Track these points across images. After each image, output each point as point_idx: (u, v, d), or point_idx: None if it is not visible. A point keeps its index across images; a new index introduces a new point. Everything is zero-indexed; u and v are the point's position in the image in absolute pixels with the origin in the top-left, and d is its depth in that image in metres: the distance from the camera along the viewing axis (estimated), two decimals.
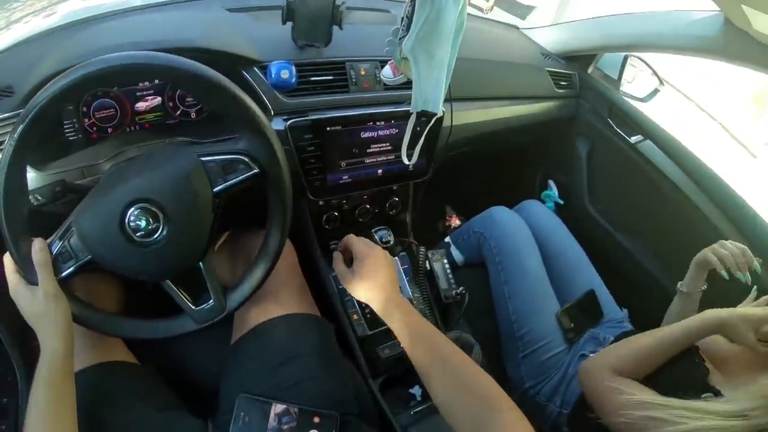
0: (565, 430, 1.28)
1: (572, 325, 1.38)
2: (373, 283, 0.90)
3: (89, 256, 0.82)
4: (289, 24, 1.13)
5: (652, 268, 1.69)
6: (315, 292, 1.21)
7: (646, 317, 1.37)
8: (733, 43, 1.24)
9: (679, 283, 1.30)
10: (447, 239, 1.73)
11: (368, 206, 1.36)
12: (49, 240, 0.83)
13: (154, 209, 0.81)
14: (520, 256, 1.50)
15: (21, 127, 0.73)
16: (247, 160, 0.86)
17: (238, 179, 0.86)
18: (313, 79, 1.18)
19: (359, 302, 1.24)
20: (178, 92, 1.14)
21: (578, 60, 1.82)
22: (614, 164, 1.78)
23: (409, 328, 0.85)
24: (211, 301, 0.93)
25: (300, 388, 0.98)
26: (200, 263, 0.90)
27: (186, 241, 0.86)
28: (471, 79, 1.49)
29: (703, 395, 0.94)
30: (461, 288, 1.43)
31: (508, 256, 1.50)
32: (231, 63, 1.10)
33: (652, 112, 1.70)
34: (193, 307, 0.92)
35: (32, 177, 0.92)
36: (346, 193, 1.31)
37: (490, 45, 1.69)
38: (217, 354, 1.10)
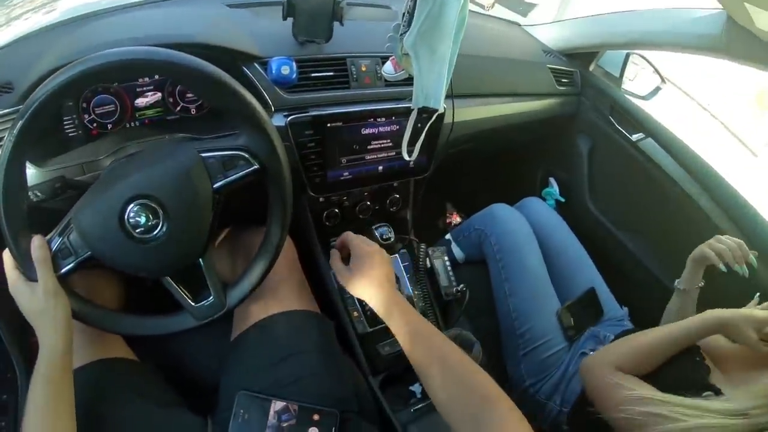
0: (565, 429, 1.28)
1: (573, 323, 1.38)
2: (371, 280, 0.89)
3: (89, 253, 0.82)
4: (290, 20, 1.12)
5: (652, 266, 1.68)
6: (315, 289, 1.21)
7: (646, 316, 1.37)
8: (735, 41, 1.23)
9: (677, 280, 1.30)
10: (448, 236, 1.73)
11: (369, 203, 1.36)
12: (48, 236, 0.83)
13: (153, 205, 0.81)
14: (521, 254, 1.50)
15: (20, 122, 0.73)
16: (247, 156, 0.86)
17: (238, 175, 0.86)
18: (313, 75, 1.18)
19: (359, 299, 1.24)
20: (178, 88, 1.13)
21: (580, 57, 1.82)
22: (615, 162, 1.77)
23: (407, 327, 0.84)
24: (211, 297, 0.93)
25: (300, 386, 0.98)
26: (200, 260, 0.90)
27: (186, 238, 0.85)
28: (472, 75, 1.49)
29: (703, 394, 0.94)
30: (462, 285, 1.44)
31: (509, 253, 1.50)
32: (231, 59, 1.09)
33: (654, 110, 1.69)
34: (193, 304, 0.92)
35: (32, 173, 0.92)
36: (346, 190, 1.31)
37: (491, 42, 1.69)
38: (217, 351, 1.10)
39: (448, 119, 1.36)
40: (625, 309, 1.50)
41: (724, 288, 1.28)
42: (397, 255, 1.41)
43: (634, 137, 1.68)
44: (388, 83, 1.22)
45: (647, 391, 0.95)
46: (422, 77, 0.88)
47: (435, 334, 0.84)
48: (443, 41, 0.85)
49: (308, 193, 1.24)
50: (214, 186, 0.86)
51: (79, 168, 0.97)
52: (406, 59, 0.91)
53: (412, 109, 0.93)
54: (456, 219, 2.24)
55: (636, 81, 1.78)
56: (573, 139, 1.89)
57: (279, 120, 1.12)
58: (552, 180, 2.03)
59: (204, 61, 0.80)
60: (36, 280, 0.80)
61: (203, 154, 0.85)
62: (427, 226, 2.14)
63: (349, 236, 0.97)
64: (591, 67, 1.82)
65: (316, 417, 0.95)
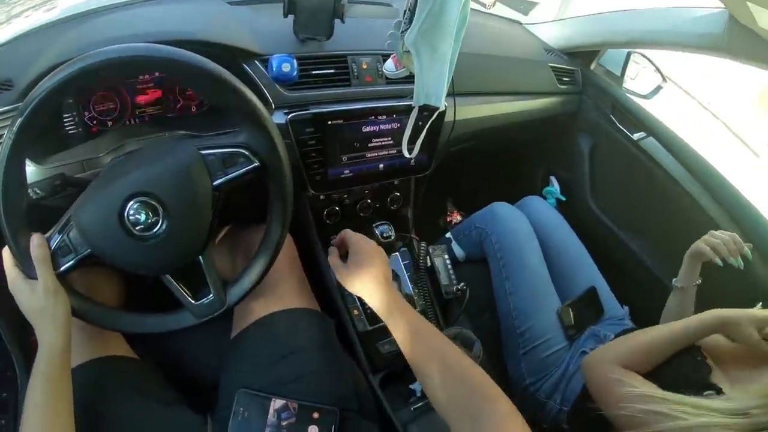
0: (565, 428, 1.28)
1: (573, 322, 1.37)
2: (368, 277, 0.89)
3: (88, 250, 0.82)
4: (291, 17, 1.12)
5: (653, 265, 1.68)
6: (315, 287, 1.21)
7: (647, 315, 1.37)
8: (737, 40, 1.23)
9: (675, 279, 1.30)
10: (448, 235, 1.72)
11: (369, 201, 1.36)
12: (48, 234, 0.83)
13: (153, 203, 0.81)
14: (522, 253, 1.50)
15: (20, 120, 0.73)
16: (247, 153, 0.86)
17: (238, 173, 0.86)
18: (314, 72, 1.17)
19: (359, 298, 1.24)
20: (178, 85, 1.13)
21: (581, 56, 1.82)
22: (616, 161, 1.77)
23: (405, 324, 0.84)
24: (211, 295, 0.92)
25: (300, 384, 0.98)
26: (200, 257, 0.90)
27: (186, 235, 0.85)
28: (474, 74, 1.49)
29: (704, 393, 0.93)
30: (462, 284, 1.43)
31: (510, 252, 1.50)
32: (232, 56, 1.09)
33: (655, 109, 1.69)
34: (193, 302, 0.92)
35: (31, 170, 0.92)
36: (347, 188, 1.31)
37: (493, 40, 1.68)
38: (217, 348, 1.10)
39: (449, 117, 1.36)
40: (626, 308, 1.50)
41: (724, 287, 1.28)
42: (397, 253, 1.41)
43: (636, 136, 1.68)
44: (389, 81, 1.22)
45: (648, 388, 0.95)
46: (423, 75, 0.87)
47: (432, 332, 0.84)
48: (444, 39, 0.85)
49: (309, 191, 1.23)
50: (214, 183, 0.85)
51: (79, 165, 0.97)
52: (407, 57, 0.90)
53: (413, 107, 0.93)
54: (457, 217, 2.24)
55: (637, 80, 1.78)
56: (574, 137, 1.89)
57: (279, 117, 1.11)
58: (553, 179, 2.03)
59: (204, 58, 0.80)
60: (35, 278, 0.80)
61: (203, 152, 0.85)
62: (428, 225, 2.14)
63: (348, 234, 0.97)
64: (592, 66, 1.82)
65: (315, 415, 0.94)
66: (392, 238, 1.32)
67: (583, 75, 1.81)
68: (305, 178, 1.20)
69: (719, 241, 1.20)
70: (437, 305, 1.42)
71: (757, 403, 0.81)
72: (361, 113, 1.20)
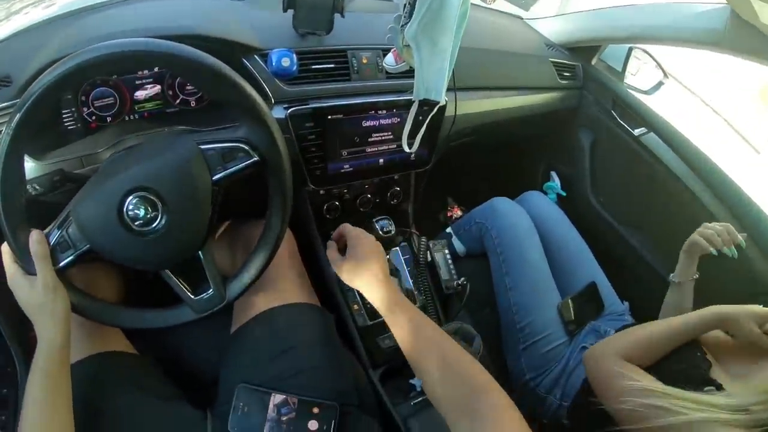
0: (564, 423, 1.28)
1: (573, 317, 1.37)
2: (366, 270, 0.90)
3: (88, 246, 0.82)
4: (290, 11, 1.12)
5: (653, 261, 1.68)
6: (315, 282, 1.21)
7: (647, 310, 1.37)
8: (739, 36, 1.23)
9: (672, 274, 1.31)
10: (448, 230, 1.72)
11: (369, 196, 1.36)
12: (47, 229, 0.83)
13: (152, 198, 0.80)
14: (522, 248, 1.49)
15: (18, 116, 0.73)
16: (246, 148, 0.86)
17: (237, 167, 0.86)
18: (314, 67, 1.17)
19: (359, 293, 1.24)
20: (177, 80, 1.13)
21: (582, 51, 1.81)
22: (617, 156, 1.77)
23: (402, 317, 0.85)
24: (211, 290, 0.92)
25: (299, 379, 0.98)
26: (199, 252, 0.90)
27: (185, 230, 0.85)
28: (474, 68, 1.48)
29: (705, 389, 0.93)
30: (462, 279, 1.43)
31: (510, 247, 1.50)
32: (231, 51, 1.09)
33: (656, 104, 1.69)
34: (193, 297, 0.92)
35: (30, 166, 0.92)
36: (347, 183, 1.31)
37: (493, 35, 1.68)
38: (217, 343, 1.10)
39: (449, 112, 1.35)
40: (626, 303, 1.50)
41: (723, 283, 1.28)
42: (397, 248, 1.41)
43: (636, 132, 1.67)
44: (390, 75, 1.21)
45: (650, 382, 0.95)
46: (423, 69, 0.87)
47: (430, 325, 0.85)
48: (445, 34, 0.84)
49: (309, 186, 1.23)
50: (214, 178, 0.85)
51: (78, 161, 0.97)
52: (407, 51, 0.90)
53: (413, 102, 0.93)
54: (457, 212, 2.23)
55: (638, 75, 1.77)
56: (575, 133, 1.89)
57: (279, 112, 1.11)
58: (553, 174, 2.03)
59: (204, 53, 0.79)
60: (35, 274, 0.80)
61: (202, 147, 0.84)
62: (428, 220, 2.14)
63: (347, 228, 0.98)
64: (593, 61, 1.81)
65: (315, 410, 0.94)
66: (392, 232, 1.32)
67: (584, 70, 1.81)
68: (305, 172, 1.20)
69: (713, 232, 1.21)
70: (437, 300, 1.42)
71: (758, 399, 0.82)
72: (361, 108, 1.20)
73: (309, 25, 1.15)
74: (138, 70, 1.09)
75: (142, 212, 0.80)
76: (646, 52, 1.75)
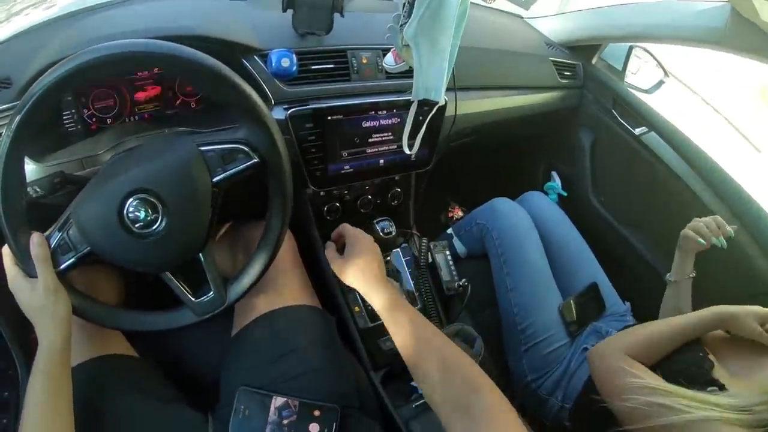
0: (566, 425, 1.28)
1: (575, 318, 1.37)
2: (362, 268, 0.91)
3: (88, 248, 0.82)
4: (290, 12, 1.12)
5: (654, 260, 1.68)
6: (316, 284, 1.20)
7: (648, 311, 1.37)
8: (740, 34, 1.23)
9: (668, 274, 1.31)
10: (449, 231, 1.72)
11: (370, 197, 1.35)
12: (48, 232, 0.83)
13: (152, 200, 0.80)
14: (523, 248, 1.49)
15: (18, 118, 0.73)
16: (246, 149, 0.85)
17: (237, 169, 0.85)
18: (314, 67, 1.17)
19: (360, 295, 1.24)
20: (177, 82, 1.13)
21: (582, 50, 1.81)
22: (618, 156, 1.76)
23: (397, 313, 0.86)
24: (211, 293, 0.92)
25: (301, 381, 0.98)
26: (200, 255, 0.89)
27: (185, 232, 0.85)
28: (475, 68, 1.48)
29: (708, 389, 0.93)
30: (463, 280, 1.43)
31: (511, 248, 1.49)
32: (231, 51, 1.09)
33: (657, 103, 1.68)
34: (193, 299, 0.91)
35: (31, 169, 0.92)
36: (347, 184, 1.31)
37: (493, 34, 1.68)
38: (218, 346, 1.09)
39: (449, 112, 1.35)
40: (628, 304, 1.50)
41: (724, 282, 1.28)
42: (398, 249, 1.41)
43: (637, 131, 1.67)
44: (390, 75, 1.21)
45: (654, 380, 0.95)
46: (423, 69, 0.87)
47: (424, 323, 0.85)
48: (444, 33, 0.84)
49: (309, 187, 1.23)
50: (214, 180, 0.85)
51: (79, 163, 0.97)
52: (406, 50, 0.90)
53: (413, 102, 0.93)
54: (458, 213, 2.23)
55: (639, 74, 1.77)
56: (575, 132, 1.89)
57: (279, 113, 1.11)
58: (554, 174, 2.03)
59: (204, 54, 0.79)
60: (35, 277, 0.80)
61: (202, 148, 0.84)
62: (429, 220, 2.14)
63: (346, 227, 0.99)
64: (593, 60, 1.81)
65: (317, 413, 0.94)
66: (393, 234, 1.32)
67: (584, 69, 1.81)
68: (305, 174, 1.19)
69: (702, 224, 1.23)
70: (438, 301, 1.42)
71: (761, 399, 0.82)
72: (361, 108, 1.19)
73: (308, 25, 1.14)
74: (138, 72, 1.08)
75: (142, 214, 0.80)
76: (647, 50, 1.75)
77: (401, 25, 0.87)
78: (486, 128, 1.59)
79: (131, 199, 0.79)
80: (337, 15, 1.14)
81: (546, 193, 1.94)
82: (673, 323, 1.09)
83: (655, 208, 1.69)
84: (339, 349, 1.11)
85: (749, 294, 1.27)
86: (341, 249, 0.97)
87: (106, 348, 0.98)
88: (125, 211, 0.79)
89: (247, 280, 0.95)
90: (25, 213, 0.80)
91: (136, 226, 0.80)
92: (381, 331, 1.24)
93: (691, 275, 1.27)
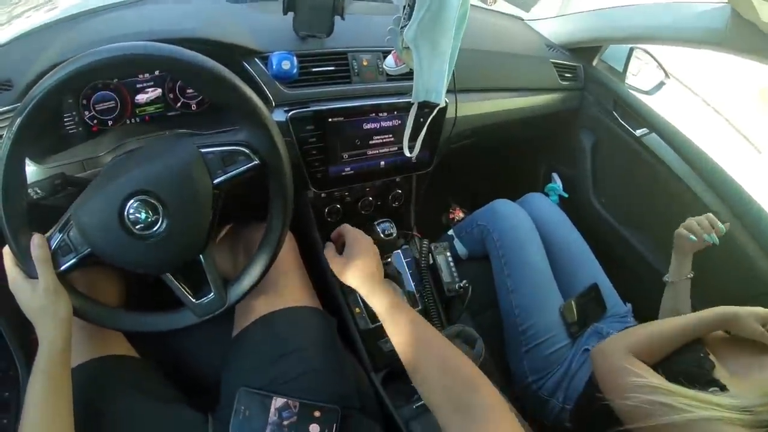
0: (567, 426, 1.28)
1: (576, 319, 1.37)
2: (362, 268, 0.91)
3: (89, 249, 0.82)
4: (291, 14, 1.12)
5: (656, 262, 1.68)
6: (317, 286, 1.21)
7: (649, 312, 1.37)
8: (740, 35, 1.22)
9: (665, 275, 1.32)
10: (450, 232, 1.72)
11: (371, 198, 1.36)
12: (48, 233, 0.83)
13: (153, 201, 0.80)
14: (524, 250, 1.49)
15: (19, 120, 0.73)
16: (247, 151, 0.86)
17: (238, 171, 0.86)
18: (314, 69, 1.17)
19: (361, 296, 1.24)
20: (178, 84, 1.13)
21: (583, 52, 1.81)
22: (619, 157, 1.76)
23: (394, 311, 0.87)
24: (212, 294, 0.92)
25: (301, 382, 0.98)
26: (200, 256, 0.90)
27: (186, 234, 0.85)
28: (475, 70, 1.48)
29: (709, 389, 0.93)
30: (464, 281, 1.43)
31: (512, 249, 1.49)
32: (231, 54, 1.09)
33: (658, 105, 1.68)
34: (194, 301, 0.92)
35: (32, 170, 0.92)
36: (348, 185, 1.31)
37: (494, 36, 1.68)
38: (219, 347, 1.09)
39: (450, 114, 1.35)
40: (629, 305, 1.49)
41: (725, 283, 1.28)
42: (399, 251, 1.41)
43: (638, 132, 1.67)
44: (390, 78, 1.21)
45: (656, 379, 0.95)
46: (423, 71, 0.87)
47: (421, 321, 0.86)
48: (444, 35, 0.84)
49: (310, 189, 1.23)
50: (214, 182, 0.85)
51: (79, 165, 0.97)
52: (407, 53, 0.90)
53: (413, 104, 0.93)
54: (459, 214, 2.23)
55: (639, 76, 1.77)
56: (576, 134, 1.89)
57: (280, 115, 1.11)
58: (555, 175, 2.02)
59: (204, 56, 0.79)
60: (36, 278, 0.80)
61: (203, 150, 0.84)
62: (430, 222, 2.13)
63: (346, 227, 1.00)
64: (594, 62, 1.81)
65: (317, 414, 0.94)
66: (394, 235, 1.31)
67: (585, 71, 1.81)
68: (306, 176, 1.19)
69: (693, 222, 1.24)
70: (439, 303, 1.42)
71: (762, 401, 0.82)
72: (361, 110, 1.20)
73: (309, 28, 1.15)
74: (139, 74, 1.09)
75: (142, 216, 0.80)
76: (647, 52, 1.75)
77: (401, 28, 0.87)
78: (487, 130, 1.59)
79: (132, 201, 0.80)
80: (337, 17, 1.14)
81: (547, 195, 1.94)
82: (675, 323, 1.10)
83: (656, 209, 1.68)
84: (339, 350, 1.11)
85: (750, 295, 1.27)
86: (341, 249, 0.97)
87: (106, 348, 0.98)
88: (126, 213, 0.80)
89: (247, 281, 0.95)
90: (26, 214, 0.80)
91: (137, 227, 0.80)
92: (381, 332, 1.23)
93: (689, 276, 1.28)
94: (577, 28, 1.77)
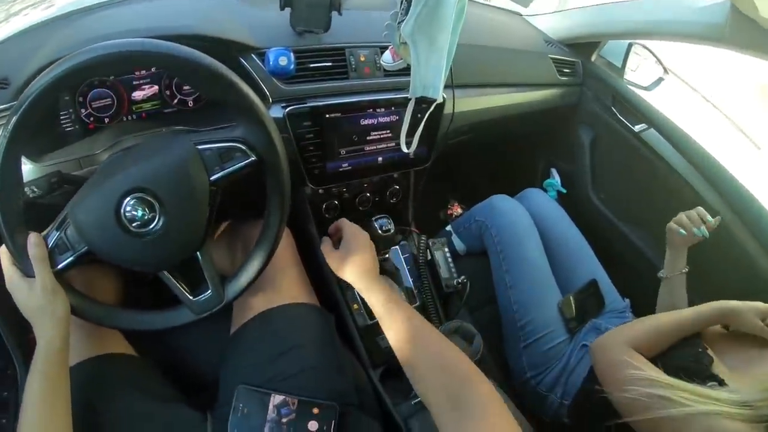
0: (566, 421, 1.28)
1: (574, 314, 1.37)
2: (359, 263, 0.92)
3: (86, 247, 0.82)
4: (288, 10, 1.12)
5: (654, 258, 1.67)
6: (315, 282, 1.20)
7: (648, 307, 1.36)
8: (739, 30, 1.22)
9: (660, 272, 1.33)
10: (448, 228, 1.72)
11: (369, 194, 1.36)
12: (45, 232, 0.82)
13: (149, 199, 0.80)
14: (522, 246, 1.49)
15: (14, 118, 0.73)
16: (244, 147, 0.85)
17: (235, 167, 0.85)
18: (311, 65, 1.17)
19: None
20: (175, 81, 1.13)
21: (582, 47, 1.81)
22: (617, 153, 1.76)
23: (389, 304, 0.87)
24: (209, 291, 0.92)
25: (299, 379, 0.98)
26: (198, 253, 0.89)
27: (183, 231, 0.85)
28: (473, 65, 1.48)
29: (708, 384, 0.94)
30: (462, 277, 1.43)
31: (509, 245, 1.49)
32: (228, 50, 1.09)
33: (656, 100, 1.68)
34: (191, 298, 0.91)
35: (28, 169, 0.92)
36: (346, 181, 1.30)
37: (492, 32, 1.67)
38: (217, 344, 1.09)
39: (448, 110, 1.35)
40: (627, 300, 1.50)
41: (725, 281, 1.28)
42: (397, 247, 1.41)
43: (637, 128, 1.67)
44: (388, 73, 1.21)
45: (655, 373, 0.95)
46: (420, 66, 0.87)
47: (414, 315, 0.86)
48: (442, 30, 0.84)
49: (307, 185, 1.23)
50: (211, 178, 0.85)
51: (76, 163, 0.97)
52: (404, 48, 0.89)
53: (410, 99, 0.92)
54: (457, 210, 2.23)
55: (638, 71, 1.77)
56: (575, 129, 1.88)
57: (277, 111, 1.11)
58: (553, 171, 2.02)
59: (201, 52, 0.79)
60: (33, 276, 0.80)
61: (200, 147, 0.84)
62: (428, 218, 2.14)
63: (343, 222, 1.01)
64: (593, 58, 1.81)
65: (315, 411, 0.94)
66: (392, 231, 1.31)
67: (583, 66, 1.80)
68: (303, 172, 1.19)
69: (683, 216, 1.25)
70: (437, 299, 1.42)
71: (762, 396, 0.82)
72: (359, 106, 1.19)
73: (306, 24, 1.14)
74: (136, 71, 1.08)
75: (139, 213, 0.80)
76: (646, 47, 1.75)
77: (399, 23, 0.87)
78: (485, 126, 1.58)
79: (128, 198, 0.79)
80: (334, 13, 1.13)
81: (545, 191, 1.93)
82: (675, 316, 1.10)
83: (655, 204, 1.68)
84: (338, 346, 1.11)
85: (750, 291, 1.26)
86: (337, 243, 0.98)
87: (104, 347, 0.98)
88: (122, 210, 0.79)
89: (245, 278, 0.95)
90: (23, 213, 0.80)
91: (134, 225, 0.80)
92: (380, 328, 1.23)
93: (683, 271, 1.28)
94: (576, 24, 1.77)
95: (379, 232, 1.28)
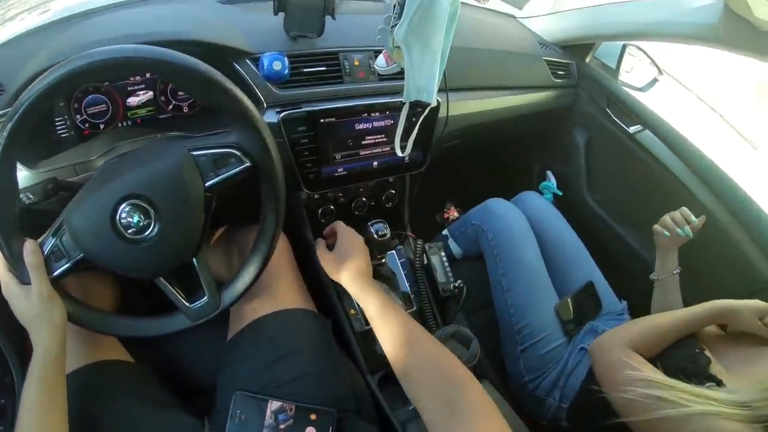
0: (564, 425, 1.28)
1: (571, 317, 1.37)
2: (352, 266, 0.93)
3: (81, 254, 0.82)
4: (281, 15, 1.12)
5: (651, 259, 1.66)
6: (311, 288, 1.20)
7: (645, 309, 1.36)
8: (733, 31, 1.22)
9: (651, 274, 1.33)
10: (445, 232, 1.72)
11: (364, 199, 1.35)
12: (41, 239, 0.82)
13: (144, 205, 0.80)
14: (518, 249, 1.49)
15: (9, 125, 0.72)
16: (238, 153, 0.85)
17: (230, 173, 0.85)
18: (306, 70, 1.17)
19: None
20: (170, 86, 1.13)
21: (576, 49, 1.81)
22: (613, 154, 1.76)
23: (386, 313, 0.87)
24: (205, 297, 0.92)
25: (297, 385, 0.97)
26: (193, 259, 0.89)
27: (178, 237, 0.85)
28: (467, 68, 1.48)
29: (706, 384, 0.94)
30: (459, 281, 1.43)
31: (505, 248, 1.49)
32: (222, 55, 1.09)
33: (651, 101, 1.68)
34: (187, 304, 0.91)
35: (23, 175, 0.92)
36: (341, 186, 1.30)
37: (486, 34, 1.67)
38: (214, 350, 1.09)
39: (442, 113, 1.35)
40: (624, 302, 1.50)
41: (723, 282, 1.28)
42: (393, 251, 1.40)
43: (632, 129, 1.67)
44: (382, 77, 1.21)
45: (653, 373, 0.95)
46: (414, 70, 0.87)
47: (406, 318, 0.87)
48: (435, 34, 0.84)
49: (303, 190, 1.23)
50: (206, 184, 0.85)
51: (71, 169, 0.97)
52: (397, 52, 0.89)
53: (404, 103, 0.93)
54: (454, 214, 2.23)
55: (633, 73, 1.78)
56: (570, 131, 1.89)
57: (271, 116, 1.11)
58: (549, 173, 2.02)
59: (195, 58, 0.79)
60: (29, 284, 0.79)
61: (194, 153, 0.84)
62: (424, 222, 2.13)
63: (338, 224, 1.03)
64: (587, 59, 1.81)
65: (313, 417, 0.94)
66: (388, 236, 1.31)
67: (578, 68, 1.81)
68: (299, 177, 1.19)
69: (667, 217, 1.26)
70: (434, 303, 1.42)
71: (760, 396, 0.83)
72: (353, 111, 1.19)
73: (300, 28, 1.14)
74: (130, 77, 1.08)
75: (135, 220, 0.80)
76: (640, 48, 1.76)
77: (392, 27, 0.87)
78: (479, 129, 1.59)
79: (124, 205, 0.79)
80: (328, 17, 1.13)
81: (541, 193, 1.94)
82: (672, 316, 1.11)
83: (651, 206, 1.68)
84: (335, 352, 1.11)
85: (747, 291, 1.27)
86: (332, 246, 0.99)
87: (101, 354, 0.98)
88: (118, 217, 0.79)
89: (241, 284, 0.95)
90: (18, 220, 0.80)
91: (129, 231, 0.80)
92: None
93: (675, 272, 1.28)
94: (570, 26, 1.77)
95: (376, 236, 1.27)
